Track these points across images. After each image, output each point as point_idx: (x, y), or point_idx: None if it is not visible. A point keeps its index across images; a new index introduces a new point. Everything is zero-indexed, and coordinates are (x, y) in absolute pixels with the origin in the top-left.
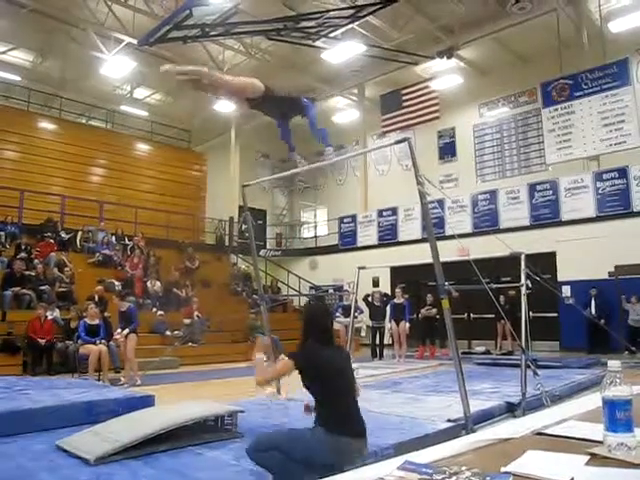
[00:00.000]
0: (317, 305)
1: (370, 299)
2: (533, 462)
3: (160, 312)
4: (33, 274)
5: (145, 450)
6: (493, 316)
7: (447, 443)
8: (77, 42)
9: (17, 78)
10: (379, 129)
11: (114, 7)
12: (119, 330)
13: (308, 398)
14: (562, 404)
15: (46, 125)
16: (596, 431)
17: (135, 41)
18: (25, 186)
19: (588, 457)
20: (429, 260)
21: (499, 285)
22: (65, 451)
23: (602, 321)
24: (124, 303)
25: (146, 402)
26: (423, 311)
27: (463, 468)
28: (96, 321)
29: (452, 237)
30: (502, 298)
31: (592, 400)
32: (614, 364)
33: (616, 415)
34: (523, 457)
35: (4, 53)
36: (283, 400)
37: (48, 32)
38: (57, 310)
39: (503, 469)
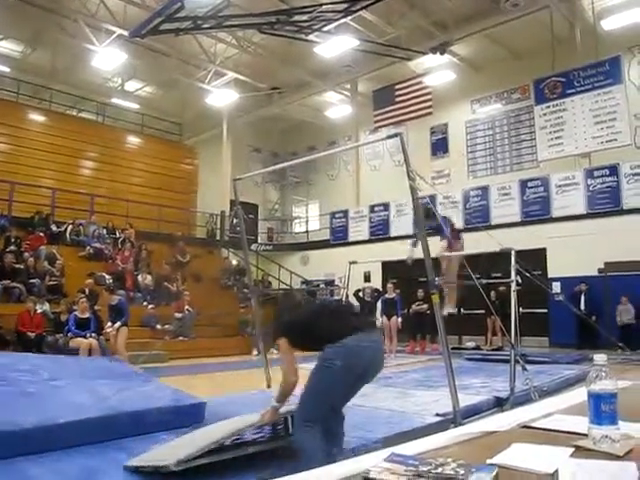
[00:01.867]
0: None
1: (361, 294)
2: (518, 454)
3: (151, 306)
4: (23, 267)
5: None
6: (483, 312)
7: (434, 436)
8: (67, 33)
9: (6, 69)
10: (372, 124)
11: None
12: (109, 323)
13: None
14: (548, 398)
15: (36, 117)
16: (581, 424)
17: (126, 33)
18: (15, 178)
19: (573, 449)
20: (420, 255)
21: (489, 281)
22: (137, 471)
23: (592, 318)
24: (114, 296)
25: (199, 407)
26: (414, 306)
27: (449, 460)
28: (86, 314)
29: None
30: (492, 294)
31: (578, 394)
32: (600, 358)
33: (601, 408)
34: (509, 449)
35: None
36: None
37: (38, 23)
38: (47, 304)
39: (489, 461)
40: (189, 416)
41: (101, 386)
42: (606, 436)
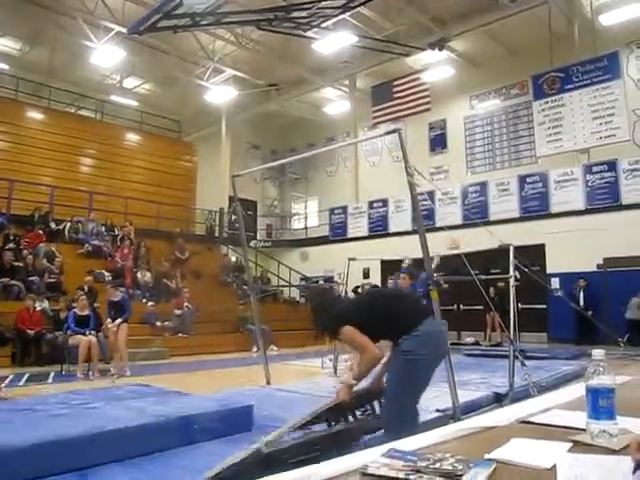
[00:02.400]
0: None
1: (360, 290)
2: (517, 449)
3: (150, 303)
4: (22, 265)
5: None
6: (482, 307)
7: (432, 431)
8: (66, 30)
9: (5, 67)
10: (370, 120)
11: None
12: (109, 320)
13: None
14: (547, 394)
15: (35, 114)
16: (579, 419)
17: (125, 30)
18: (14, 176)
19: (571, 444)
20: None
21: (488, 277)
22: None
23: (590, 313)
24: (117, 293)
25: (247, 412)
26: None
27: (447, 455)
28: (86, 312)
29: (442, 229)
30: (491, 290)
31: (576, 389)
32: (598, 353)
33: (599, 403)
34: (507, 444)
35: None
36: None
37: (36, 20)
38: (46, 301)
39: (487, 456)
40: (237, 423)
41: (137, 403)
42: (604, 431)
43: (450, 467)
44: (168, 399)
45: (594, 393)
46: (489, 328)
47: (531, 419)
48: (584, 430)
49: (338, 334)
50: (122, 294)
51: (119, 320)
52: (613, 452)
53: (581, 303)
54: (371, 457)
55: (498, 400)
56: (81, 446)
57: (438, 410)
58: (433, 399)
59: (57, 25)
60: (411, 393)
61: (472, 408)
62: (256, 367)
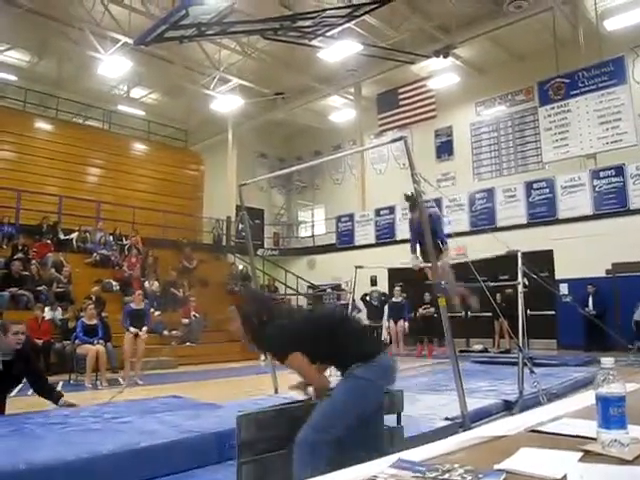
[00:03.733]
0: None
1: (368, 298)
2: (526, 459)
3: (158, 312)
4: (30, 275)
5: None
6: (491, 314)
7: (441, 441)
8: (73, 42)
9: (13, 78)
10: (376, 128)
11: (110, 7)
12: (132, 328)
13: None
14: (557, 402)
15: (42, 125)
16: (590, 428)
17: (131, 41)
18: (22, 186)
19: (581, 454)
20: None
21: (496, 283)
22: None
23: (599, 319)
24: (143, 301)
25: None
26: (421, 310)
27: (456, 466)
28: (94, 321)
29: (449, 236)
30: (498, 296)
31: (586, 397)
32: (608, 361)
33: (609, 412)
34: (517, 454)
35: (0, 53)
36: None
37: (44, 32)
38: (59, 309)
39: (496, 466)
40: None
41: (170, 417)
42: (615, 440)
43: (459, 478)
44: (203, 412)
45: (604, 402)
46: (497, 335)
47: (541, 428)
48: (595, 439)
49: (284, 359)
50: (146, 301)
51: (145, 328)
52: (625, 462)
53: (591, 309)
54: (379, 468)
55: (507, 408)
56: (114, 463)
57: (447, 418)
58: (442, 407)
59: (65, 37)
60: (346, 420)
61: (481, 416)
62: (263, 376)
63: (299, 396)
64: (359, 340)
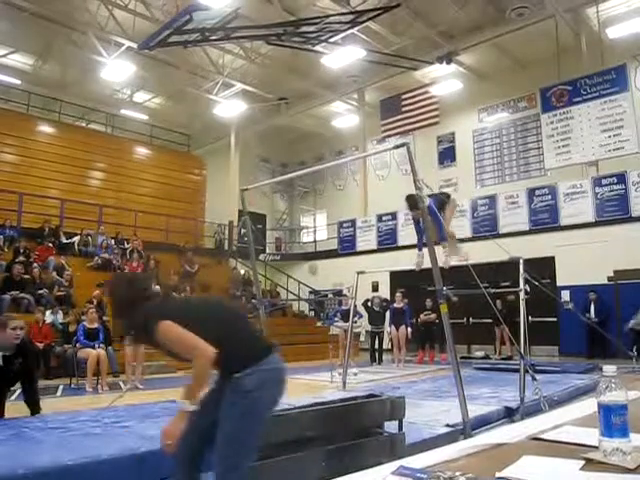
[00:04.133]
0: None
1: (369, 304)
2: (528, 467)
3: None
4: (31, 278)
5: None
6: (492, 321)
7: (442, 448)
8: (77, 46)
9: (17, 81)
10: (379, 134)
11: (115, 11)
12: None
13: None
14: (559, 409)
15: (45, 128)
16: (592, 436)
17: (135, 45)
18: (24, 189)
19: (583, 462)
20: (428, 265)
21: (497, 290)
22: None
23: (601, 326)
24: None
25: None
26: (422, 316)
27: (457, 473)
28: (95, 325)
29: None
30: (499, 303)
31: (588, 405)
32: (609, 369)
33: (611, 420)
34: (518, 462)
35: (4, 57)
36: None
37: (48, 35)
38: (60, 312)
39: (498, 474)
40: None
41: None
42: (617, 449)
43: None
44: None
45: (606, 410)
46: (499, 341)
47: (542, 436)
48: (597, 447)
49: (154, 333)
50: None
51: None
52: (627, 470)
53: (592, 316)
54: (381, 475)
55: (509, 415)
56: (114, 468)
57: (448, 425)
58: (443, 413)
59: (69, 40)
60: (248, 442)
61: (482, 423)
62: None
63: (189, 406)
64: (251, 336)
